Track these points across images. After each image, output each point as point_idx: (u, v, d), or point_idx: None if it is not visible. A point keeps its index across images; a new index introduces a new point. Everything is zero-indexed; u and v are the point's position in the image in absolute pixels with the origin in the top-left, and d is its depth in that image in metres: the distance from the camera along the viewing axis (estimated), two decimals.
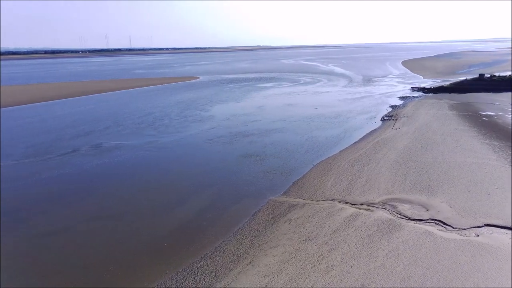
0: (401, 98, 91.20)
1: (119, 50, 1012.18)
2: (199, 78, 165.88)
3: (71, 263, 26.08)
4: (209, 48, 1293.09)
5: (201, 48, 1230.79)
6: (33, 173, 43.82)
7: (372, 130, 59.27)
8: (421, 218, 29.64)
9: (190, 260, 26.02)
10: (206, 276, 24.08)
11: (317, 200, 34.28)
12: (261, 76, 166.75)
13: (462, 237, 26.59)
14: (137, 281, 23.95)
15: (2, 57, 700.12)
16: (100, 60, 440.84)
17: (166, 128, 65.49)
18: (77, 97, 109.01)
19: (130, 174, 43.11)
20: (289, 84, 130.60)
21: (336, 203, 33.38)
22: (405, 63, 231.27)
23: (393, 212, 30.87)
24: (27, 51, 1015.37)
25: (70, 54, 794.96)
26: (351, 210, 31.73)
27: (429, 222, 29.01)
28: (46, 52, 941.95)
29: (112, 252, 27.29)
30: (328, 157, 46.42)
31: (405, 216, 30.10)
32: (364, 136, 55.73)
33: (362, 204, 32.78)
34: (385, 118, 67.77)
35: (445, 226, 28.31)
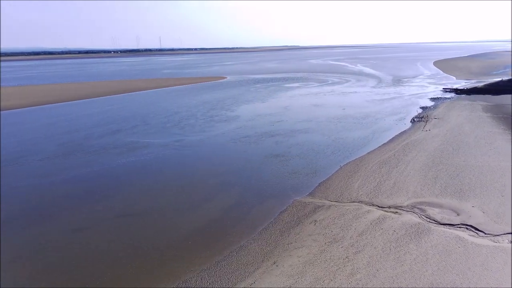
0: (432, 99, 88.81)
1: (150, 50, 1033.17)
2: (226, 78, 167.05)
3: (97, 259, 26.81)
4: (236, 48, 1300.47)
5: (228, 48, 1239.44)
6: (62, 170, 45.28)
7: (401, 132, 58.01)
8: (452, 223, 28.78)
9: (215, 258, 26.26)
10: (231, 274, 24.24)
11: (343, 202, 33.87)
12: (288, 76, 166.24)
13: (494, 244, 25.64)
14: (163, 278, 24.38)
15: (39, 56, 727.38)
16: (131, 60, 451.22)
17: (192, 128, 66.30)
18: (106, 96, 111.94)
19: (155, 173, 43.91)
20: (316, 84, 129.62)
21: (363, 205, 32.88)
22: (437, 63, 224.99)
23: (422, 216, 30.11)
24: (62, 51, 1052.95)
25: (102, 54, 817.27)
26: (378, 212, 31.18)
27: (460, 227, 28.12)
28: (80, 52, 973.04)
29: (138, 249, 27.87)
30: (355, 159, 45.76)
31: (434, 220, 29.30)
32: (393, 138, 54.63)
33: (389, 207, 32.15)
34: (415, 120, 66.17)
35: (476, 231, 27.38)
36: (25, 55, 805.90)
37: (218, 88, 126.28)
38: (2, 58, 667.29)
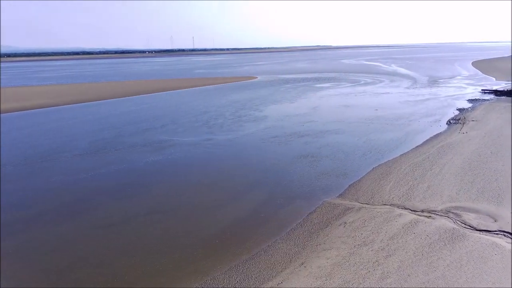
0: (470, 100, 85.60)
1: (183, 50, 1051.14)
2: (257, 78, 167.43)
3: (126, 254, 27.46)
4: (268, 48, 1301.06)
5: (260, 48, 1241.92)
6: (93, 167, 46.55)
7: (436, 134, 56.22)
8: (488, 229, 27.59)
9: (242, 257, 26.35)
10: (258, 274, 24.26)
11: (374, 204, 33.18)
12: (319, 76, 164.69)
13: None
14: (191, 275, 24.69)
15: (78, 56, 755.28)
16: (164, 60, 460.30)
17: (221, 127, 66.79)
18: (138, 96, 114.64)
19: (183, 171, 44.54)
20: (348, 85, 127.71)
21: (395, 208, 32.07)
22: (476, 63, 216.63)
23: (457, 221, 29.03)
24: (99, 51, 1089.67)
25: (137, 54, 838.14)
26: (411, 216, 30.32)
27: (497, 234, 26.91)
28: (116, 52, 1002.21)
29: (166, 245, 28.35)
30: (388, 161, 44.74)
31: (470, 226, 28.18)
32: (427, 140, 53.03)
33: (422, 211, 31.21)
34: (451, 122, 63.98)
35: None
36: (65, 55, 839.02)
37: (248, 88, 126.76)
38: (43, 57, 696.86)
